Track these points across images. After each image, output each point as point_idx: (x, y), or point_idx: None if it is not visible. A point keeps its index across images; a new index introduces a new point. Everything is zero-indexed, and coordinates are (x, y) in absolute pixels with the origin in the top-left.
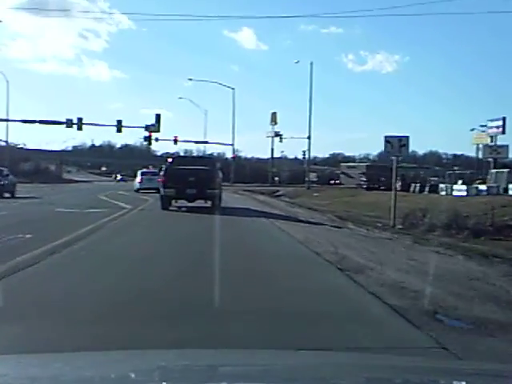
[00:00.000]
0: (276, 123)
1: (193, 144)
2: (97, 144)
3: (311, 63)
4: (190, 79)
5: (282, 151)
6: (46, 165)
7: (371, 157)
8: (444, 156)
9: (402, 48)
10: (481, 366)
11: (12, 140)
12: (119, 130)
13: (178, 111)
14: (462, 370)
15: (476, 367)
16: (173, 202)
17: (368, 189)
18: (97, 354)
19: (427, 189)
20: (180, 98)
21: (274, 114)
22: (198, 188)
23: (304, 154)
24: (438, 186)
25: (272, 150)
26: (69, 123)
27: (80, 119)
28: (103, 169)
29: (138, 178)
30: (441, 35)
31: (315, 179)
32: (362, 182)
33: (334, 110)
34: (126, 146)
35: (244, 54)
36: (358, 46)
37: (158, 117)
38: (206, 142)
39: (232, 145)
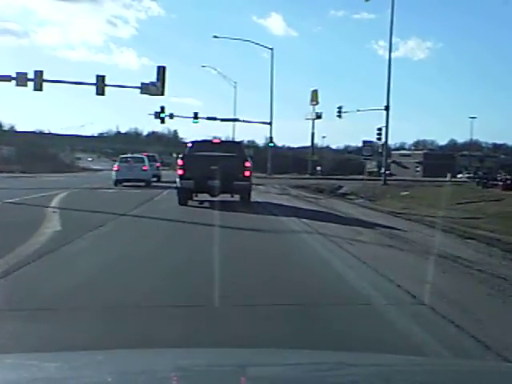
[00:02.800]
0: (317, 103)
1: (219, 123)
2: (122, 131)
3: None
4: (216, 37)
5: (324, 136)
6: (58, 151)
7: (407, 146)
8: (484, 145)
9: (436, 34)
10: (481, 366)
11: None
12: (101, 92)
13: (208, 100)
14: (463, 369)
15: (476, 366)
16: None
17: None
18: (97, 353)
19: None
20: (203, 66)
21: (314, 92)
22: (222, 179)
23: (379, 132)
24: None
25: (312, 134)
26: (21, 79)
27: (39, 73)
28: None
29: (115, 166)
30: (476, 20)
31: (375, 169)
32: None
33: (365, 97)
34: (153, 133)
35: (273, 41)
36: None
37: (160, 71)
38: (237, 120)
39: (270, 123)
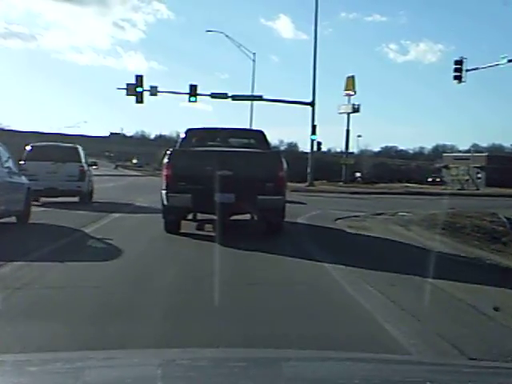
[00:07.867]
0: (354, 92)
1: (230, 102)
2: (128, 134)
3: None
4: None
5: (359, 135)
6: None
7: (426, 151)
8: (507, 150)
9: (447, 37)
10: (481, 366)
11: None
12: None
13: (218, 105)
14: (462, 369)
15: (476, 367)
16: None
17: None
18: (97, 353)
19: None
20: (208, 30)
21: (350, 79)
22: (238, 190)
23: None
24: None
25: (347, 131)
26: None
27: None
28: (134, 161)
29: None
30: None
31: (466, 177)
32: None
33: (377, 101)
34: (161, 136)
35: (283, 44)
36: (401, 35)
37: None
38: (259, 98)
39: (311, 104)
